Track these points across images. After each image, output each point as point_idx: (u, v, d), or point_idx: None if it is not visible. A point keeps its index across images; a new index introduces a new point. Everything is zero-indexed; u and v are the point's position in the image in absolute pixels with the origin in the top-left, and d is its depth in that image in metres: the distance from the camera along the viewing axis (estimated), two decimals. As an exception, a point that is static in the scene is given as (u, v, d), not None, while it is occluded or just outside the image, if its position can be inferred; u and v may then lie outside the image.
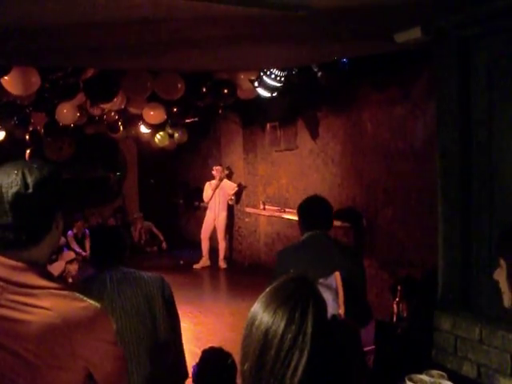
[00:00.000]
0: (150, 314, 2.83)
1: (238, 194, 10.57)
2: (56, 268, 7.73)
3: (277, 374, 1.03)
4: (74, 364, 1.54)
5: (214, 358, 3.12)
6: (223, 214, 10.03)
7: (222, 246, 10.07)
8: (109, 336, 1.65)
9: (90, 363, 1.59)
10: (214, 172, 9.99)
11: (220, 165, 10.19)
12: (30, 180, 1.54)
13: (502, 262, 2.12)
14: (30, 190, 1.53)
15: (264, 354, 1.06)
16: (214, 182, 9.99)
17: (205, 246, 10.12)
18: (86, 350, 1.56)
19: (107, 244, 3.02)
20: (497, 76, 2.67)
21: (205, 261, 10.05)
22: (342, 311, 1.03)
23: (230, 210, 10.79)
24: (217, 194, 9.96)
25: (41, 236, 1.59)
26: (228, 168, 10.26)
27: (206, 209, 10.36)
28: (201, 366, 3.06)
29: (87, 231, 10.77)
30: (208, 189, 10.03)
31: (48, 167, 1.62)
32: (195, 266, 9.99)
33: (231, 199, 10.04)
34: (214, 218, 10.05)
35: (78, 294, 1.57)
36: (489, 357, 2.57)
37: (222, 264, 10.00)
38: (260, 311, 1.11)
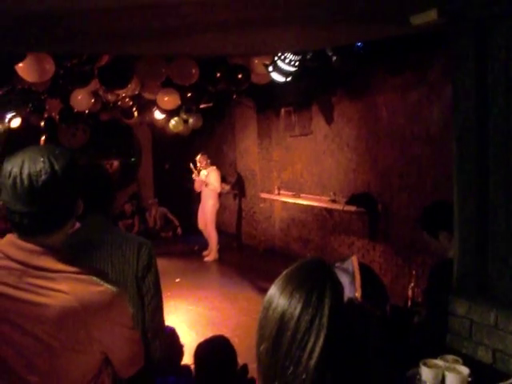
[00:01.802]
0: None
1: (239, 183, 10.57)
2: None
3: (293, 356, 1.04)
4: (90, 347, 1.56)
5: (210, 347, 3.14)
6: (209, 203, 9.81)
7: (210, 237, 9.91)
8: (125, 320, 1.67)
9: (106, 347, 1.61)
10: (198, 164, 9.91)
11: (202, 154, 10.01)
12: (57, 167, 1.54)
13: None
14: (59, 177, 1.53)
15: (280, 336, 1.06)
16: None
17: (205, 235, 10.07)
18: (103, 334, 1.58)
19: (90, 188, 2.42)
20: (515, 58, 2.63)
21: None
22: (358, 294, 1.04)
23: (237, 197, 10.78)
24: (201, 184, 9.88)
25: (65, 222, 1.62)
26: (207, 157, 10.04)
27: (221, 195, 10.33)
28: (199, 356, 3.08)
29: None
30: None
31: (68, 153, 1.63)
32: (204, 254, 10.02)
33: (222, 188, 9.93)
34: (203, 207, 9.95)
35: (95, 278, 1.59)
36: (504, 342, 2.55)
37: (207, 257, 9.85)
38: (277, 294, 1.12)
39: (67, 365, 1.55)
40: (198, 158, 9.91)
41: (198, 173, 9.82)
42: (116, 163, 12.41)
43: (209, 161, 9.89)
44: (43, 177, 1.51)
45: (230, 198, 11.63)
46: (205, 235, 10.05)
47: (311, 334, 1.03)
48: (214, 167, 9.86)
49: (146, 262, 2.49)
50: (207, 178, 9.70)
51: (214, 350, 3.10)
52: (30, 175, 1.51)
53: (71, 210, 1.63)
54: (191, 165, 9.82)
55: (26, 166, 1.53)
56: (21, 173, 1.52)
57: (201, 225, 10.06)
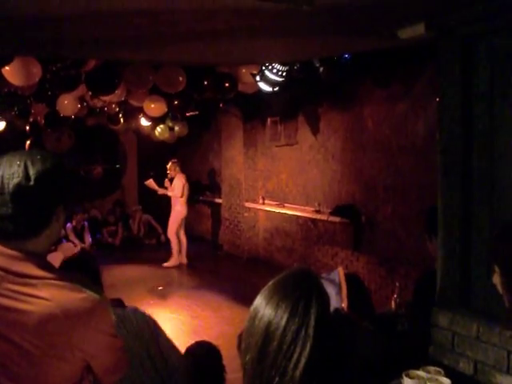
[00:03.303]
0: (150, 365, 2.58)
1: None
2: (54, 259, 7.73)
3: (279, 366, 1.03)
4: (71, 355, 1.54)
5: (198, 351, 3.14)
6: (174, 209, 9.94)
7: (173, 242, 9.98)
8: (107, 327, 1.65)
9: (88, 354, 1.59)
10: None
11: (173, 162, 10.07)
12: (32, 172, 1.53)
13: (496, 268, 2.14)
14: (32, 183, 1.52)
15: (266, 346, 1.05)
16: None
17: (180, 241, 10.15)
18: (84, 341, 1.57)
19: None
20: (499, 73, 2.66)
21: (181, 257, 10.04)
22: (344, 305, 1.03)
23: (213, 205, 10.73)
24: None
25: (40, 228, 1.59)
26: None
27: (204, 202, 10.27)
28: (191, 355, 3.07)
29: (86, 224, 10.80)
30: None
31: (52, 159, 1.61)
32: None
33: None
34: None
35: (76, 285, 1.57)
36: (486, 354, 2.57)
37: (166, 263, 9.87)
38: (263, 303, 1.11)
39: (47, 372, 1.53)
40: (169, 165, 9.97)
41: (169, 181, 9.92)
42: (99, 169, 12.30)
43: (178, 168, 9.93)
44: (15, 180, 1.51)
45: (216, 207, 11.62)
46: (180, 241, 10.08)
47: (297, 344, 1.02)
48: (182, 175, 9.91)
49: (158, 330, 2.70)
50: (172, 185, 9.85)
51: (208, 353, 3.10)
52: (2, 177, 1.52)
53: (47, 218, 1.60)
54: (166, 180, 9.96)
55: (2, 168, 1.54)
56: None
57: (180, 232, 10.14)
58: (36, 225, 1.57)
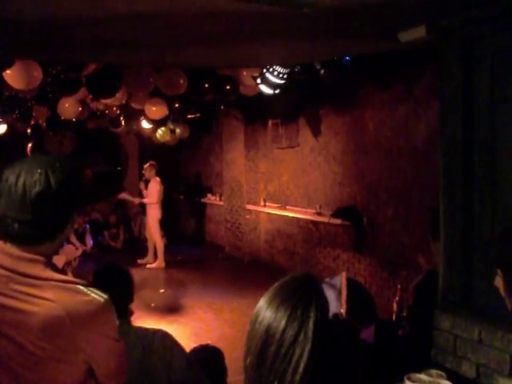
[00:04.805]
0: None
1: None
2: (57, 261, 7.72)
3: (277, 370, 1.03)
4: (75, 357, 1.55)
5: (202, 355, 3.14)
6: (150, 214, 10.00)
7: (149, 245, 10.04)
8: (111, 331, 1.66)
9: (90, 357, 1.60)
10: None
11: (150, 164, 10.01)
12: (52, 180, 1.56)
13: (498, 271, 2.13)
14: (53, 191, 1.56)
15: (265, 350, 1.06)
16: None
17: (148, 244, 10.23)
18: (88, 344, 1.57)
19: (115, 289, 2.71)
20: (500, 76, 2.66)
21: (148, 258, 10.10)
22: (343, 310, 1.03)
23: (214, 207, 10.76)
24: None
25: (57, 233, 1.62)
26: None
27: (205, 205, 10.21)
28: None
29: (87, 226, 10.80)
30: None
31: (70, 166, 1.65)
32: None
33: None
34: (146, 217, 10.21)
35: (82, 288, 1.58)
36: (488, 357, 2.56)
37: (150, 265, 9.90)
38: (264, 307, 1.12)
39: (51, 374, 1.53)
40: (146, 166, 9.96)
41: (144, 182, 9.97)
42: (88, 172, 12.15)
43: (153, 172, 9.88)
44: (37, 188, 1.54)
45: (218, 209, 11.61)
46: (148, 243, 10.13)
47: (296, 349, 1.03)
48: (157, 179, 9.86)
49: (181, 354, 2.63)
50: (147, 189, 9.87)
51: (211, 357, 3.10)
52: (24, 185, 1.54)
53: (64, 223, 1.64)
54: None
55: (23, 175, 1.56)
56: (16, 181, 1.55)
57: (147, 233, 10.25)
58: (54, 230, 1.61)
